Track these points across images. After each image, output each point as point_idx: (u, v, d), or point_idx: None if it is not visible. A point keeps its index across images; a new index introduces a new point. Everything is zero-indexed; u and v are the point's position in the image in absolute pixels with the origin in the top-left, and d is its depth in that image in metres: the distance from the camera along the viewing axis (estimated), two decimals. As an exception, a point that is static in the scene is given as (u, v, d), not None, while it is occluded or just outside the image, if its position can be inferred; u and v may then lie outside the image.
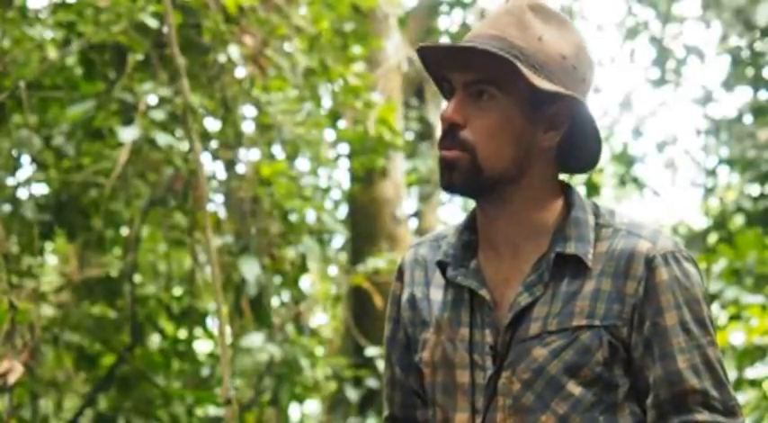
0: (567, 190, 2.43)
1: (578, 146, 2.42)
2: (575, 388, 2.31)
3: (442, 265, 2.44)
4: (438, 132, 2.41)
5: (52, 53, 6.31)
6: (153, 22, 6.21)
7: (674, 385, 2.31)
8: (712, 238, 10.98)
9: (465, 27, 11.53)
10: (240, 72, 6.99)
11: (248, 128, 7.28)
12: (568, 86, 2.35)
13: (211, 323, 7.94)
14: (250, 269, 6.93)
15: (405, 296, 2.50)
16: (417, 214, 12.12)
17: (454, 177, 2.34)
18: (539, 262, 2.36)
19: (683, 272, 2.35)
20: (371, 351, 8.51)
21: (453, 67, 2.35)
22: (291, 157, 7.75)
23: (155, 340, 7.99)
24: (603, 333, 2.31)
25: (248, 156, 7.28)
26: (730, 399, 2.33)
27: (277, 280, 7.55)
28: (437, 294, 2.45)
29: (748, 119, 11.05)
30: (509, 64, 2.31)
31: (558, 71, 2.35)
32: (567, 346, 2.31)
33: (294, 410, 9.19)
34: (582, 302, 2.33)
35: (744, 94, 11.30)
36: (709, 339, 2.34)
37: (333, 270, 10.86)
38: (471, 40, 2.35)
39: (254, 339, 7.24)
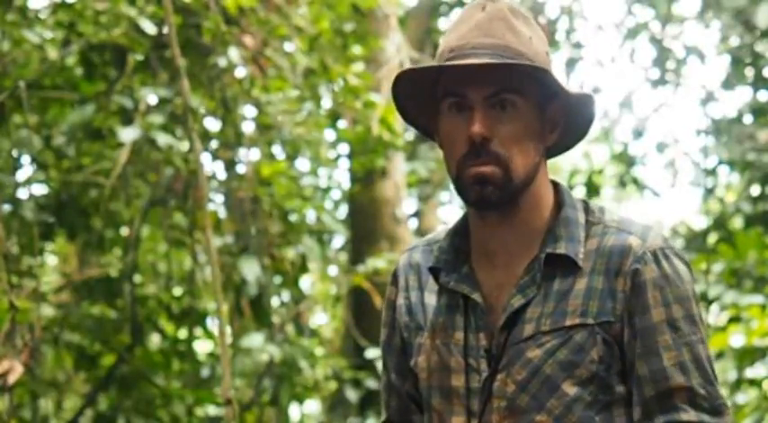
0: (556, 188, 2.43)
1: (563, 141, 2.44)
2: (570, 387, 2.30)
3: (434, 271, 2.43)
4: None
5: (52, 53, 6.32)
6: (151, 28, 6.21)
7: (658, 383, 2.29)
8: (712, 239, 10.98)
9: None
10: (240, 72, 6.99)
11: (248, 128, 7.28)
12: None
13: (211, 323, 7.94)
14: (250, 269, 6.92)
15: (400, 301, 2.50)
16: (417, 214, 12.12)
17: (487, 192, 2.31)
18: (531, 264, 2.36)
19: (672, 269, 2.33)
20: (371, 352, 8.51)
21: (472, 82, 2.32)
22: (291, 157, 7.75)
23: (155, 340, 7.99)
24: (597, 331, 2.31)
25: (248, 156, 7.28)
26: (717, 397, 2.31)
27: (277, 280, 7.55)
28: (431, 299, 2.45)
29: (748, 119, 11.04)
30: (528, 71, 2.31)
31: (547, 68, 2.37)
32: (561, 346, 2.31)
33: (294, 410, 9.20)
34: (574, 301, 2.32)
35: (744, 94, 11.30)
36: (699, 337, 2.32)
37: (333, 270, 10.86)
38: (474, 50, 2.32)
39: (254, 339, 7.24)
